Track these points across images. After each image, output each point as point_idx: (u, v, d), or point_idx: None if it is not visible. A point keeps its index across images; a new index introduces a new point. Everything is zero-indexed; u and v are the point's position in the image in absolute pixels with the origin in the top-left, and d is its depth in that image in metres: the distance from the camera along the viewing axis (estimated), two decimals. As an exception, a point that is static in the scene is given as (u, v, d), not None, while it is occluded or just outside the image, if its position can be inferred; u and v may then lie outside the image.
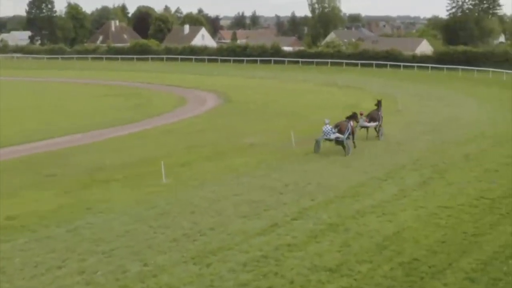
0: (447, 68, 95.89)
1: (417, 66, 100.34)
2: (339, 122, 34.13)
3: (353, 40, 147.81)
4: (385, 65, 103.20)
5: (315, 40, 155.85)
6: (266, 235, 19.92)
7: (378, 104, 39.88)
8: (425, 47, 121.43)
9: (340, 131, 33.44)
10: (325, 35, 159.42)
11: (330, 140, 33.62)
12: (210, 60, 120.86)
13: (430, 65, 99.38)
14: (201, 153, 34.51)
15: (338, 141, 33.35)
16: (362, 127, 37.97)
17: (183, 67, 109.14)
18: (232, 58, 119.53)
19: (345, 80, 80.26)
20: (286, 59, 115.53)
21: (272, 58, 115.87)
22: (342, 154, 33.10)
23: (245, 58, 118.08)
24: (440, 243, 19.10)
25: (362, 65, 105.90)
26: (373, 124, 38.23)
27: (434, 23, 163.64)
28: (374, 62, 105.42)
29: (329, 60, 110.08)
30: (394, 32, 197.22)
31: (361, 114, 37.58)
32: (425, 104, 55.01)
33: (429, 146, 36.11)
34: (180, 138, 40.11)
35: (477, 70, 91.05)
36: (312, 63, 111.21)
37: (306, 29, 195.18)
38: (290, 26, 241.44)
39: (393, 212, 22.46)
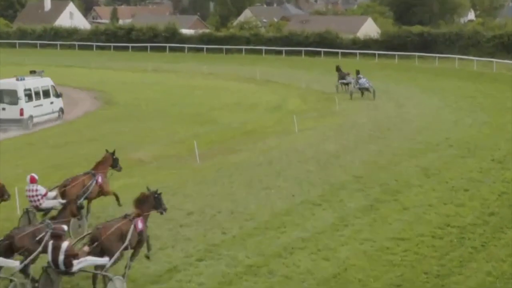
0: (399, 55, 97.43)
1: (360, 54, 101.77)
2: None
3: (275, 19, 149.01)
4: (318, 53, 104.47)
5: (225, 20, 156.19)
6: (162, 282, 19.84)
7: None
8: (370, 28, 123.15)
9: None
10: (238, 14, 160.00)
11: (366, 89, 60.35)
12: (82, 47, 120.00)
13: (376, 52, 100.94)
14: (72, 173, 34.05)
15: (367, 89, 60.63)
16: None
17: (44, 56, 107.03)
18: (112, 45, 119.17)
19: (265, 73, 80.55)
20: (186, 45, 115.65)
21: (168, 45, 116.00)
22: (261, 170, 33.64)
23: (130, 45, 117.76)
24: (395, 287, 19.40)
25: (288, 52, 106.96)
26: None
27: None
28: (303, 48, 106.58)
29: (244, 47, 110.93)
30: (329, 9, 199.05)
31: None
32: (370, 103, 55.72)
33: (376, 158, 36.66)
34: (43, 154, 39.56)
35: (439, 58, 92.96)
36: (221, 50, 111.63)
37: (212, 5, 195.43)
38: (191, 1, 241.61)
39: (331, 247, 22.70)
